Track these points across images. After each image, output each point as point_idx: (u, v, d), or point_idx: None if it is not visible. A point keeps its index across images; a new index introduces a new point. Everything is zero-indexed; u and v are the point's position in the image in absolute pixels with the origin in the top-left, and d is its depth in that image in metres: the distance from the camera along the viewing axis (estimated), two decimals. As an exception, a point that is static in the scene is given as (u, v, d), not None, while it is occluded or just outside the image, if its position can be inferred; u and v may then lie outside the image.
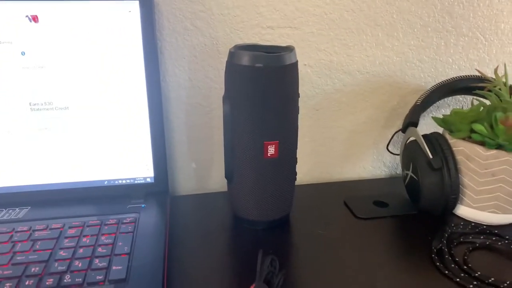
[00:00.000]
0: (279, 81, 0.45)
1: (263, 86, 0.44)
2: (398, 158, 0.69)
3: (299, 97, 0.48)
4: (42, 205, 0.51)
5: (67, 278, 0.38)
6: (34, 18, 0.46)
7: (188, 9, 0.53)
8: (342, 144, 0.66)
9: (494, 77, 0.53)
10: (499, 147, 0.49)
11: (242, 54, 0.44)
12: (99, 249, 0.42)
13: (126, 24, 0.48)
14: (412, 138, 0.56)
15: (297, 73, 0.47)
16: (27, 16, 0.46)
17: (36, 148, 0.50)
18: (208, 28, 0.55)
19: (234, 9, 0.54)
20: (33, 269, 0.39)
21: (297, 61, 0.46)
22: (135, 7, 0.47)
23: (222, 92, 0.58)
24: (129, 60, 0.49)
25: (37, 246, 0.43)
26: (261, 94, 0.45)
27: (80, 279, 0.38)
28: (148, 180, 0.54)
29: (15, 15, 0.46)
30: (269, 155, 0.47)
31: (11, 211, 0.50)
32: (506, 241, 0.48)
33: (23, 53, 0.47)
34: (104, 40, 0.48)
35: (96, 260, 0.41)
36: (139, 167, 0.53)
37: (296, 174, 0.52)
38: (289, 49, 0.46)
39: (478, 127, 0.50)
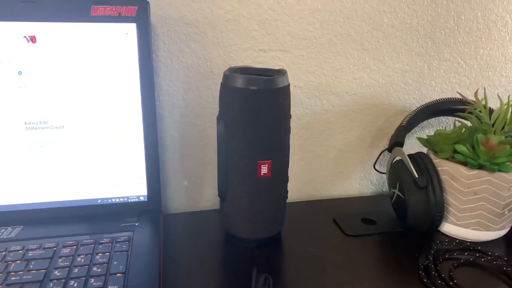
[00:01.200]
0: (272, 103, 0.46)
1: (257, 107, 0.46)
2: (384, 176, 0.72)
3: (290, 117, 0.50)
4: (35, 224, 0.51)
5: (63, 298, 0.38)
6: (32, 39, 0.47)
7: (183, 32, 0.55)
8: (330, 163, 0.68)
9: (474, 99, 0.56)
10: (480, 167, 0.51)
11: (236, 77, 0.46)
12: (94, 269, 0.43)
13: (123, 45, 0.49)
14: (398, 158, 0.58)
15: (289, 95, 0.48)
16: (25, 36, 0.47)
17: (30, 166, 0.50)
18: (202, 50, 0.56)
19: (228, 32, 0.56)
20: (28, 289, 0.39)
21: (289, 84, 0.48)
22: (132, 29, 0.49)
23: (214, 111, 0.59)
24: (125, 80, 0.50)
25: (31, 266, 0.43)
26: (255, 115, 0.46)
27: (76, 299, 0.38)
28: (142, 198, 0.54)
29: (13, 36, 0.46)
30: (262, 174, 0.48)
31: (3, 230, 0.49)
32: (489, 257, 0.50)
33: (20, 73, 0.47)
34: (100, 61, 0.49)
35: (92, 280, 0.41)
36: (132, 185, 0.54)
37: (287, 193, 0.53)
38: (282, 72, 0.48)
39: (460, 148, 0.53)
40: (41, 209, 0.52)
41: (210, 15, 0.55)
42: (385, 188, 0.73)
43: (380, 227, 0.58)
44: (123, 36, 0.49)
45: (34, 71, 0.48)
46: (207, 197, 0.64)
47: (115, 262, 0.44)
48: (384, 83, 0.65)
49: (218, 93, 0.58)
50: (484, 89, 0.55)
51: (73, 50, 0.48)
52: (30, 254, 0.45)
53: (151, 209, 0.54)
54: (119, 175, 0.53)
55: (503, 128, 0.53)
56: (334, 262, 0.50)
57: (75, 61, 0.48)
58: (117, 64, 0.49)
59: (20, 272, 0.42)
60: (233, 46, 0.57)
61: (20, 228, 0.50)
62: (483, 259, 0.50)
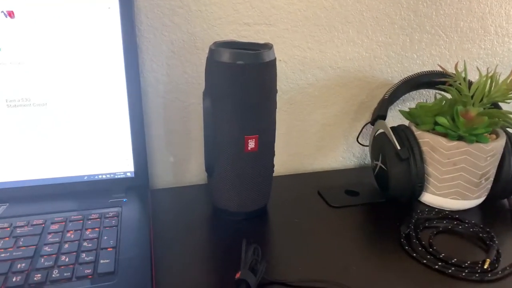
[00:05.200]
0: (258, 77, 0.47)
1: (244, 82, 0.46)
2: (366, 149, 0.73)
3: (277, 92, 0.50)
4: (21, 202, 0.50)
5: (55, 273, 0.39)
6: (10, 14, 0.45)
7: (166, 6, 0.54)
8: (314, 136, 0.69)
9: (454, 72, 0.57)
10: (460, 138, 0.53)
11: (222, 52, 0.46)
12: (85, 244, 0.43)
13: (105, 20, 0.48)
14: (380, 130, 0.60)
15: (275, 70, 0.48)
16: (2, 11, 0.45)
17: (14, 144, 0.50)
18: (186, 24, 0.55)
19: (211, 5, 0.55)
20: (19, 265, 0.40)
21: (275, 58, 0.48)
22: (115, 4, 0.48)
23: (199, 87, 0.59)
24: (108, 56, 0.49)
25: (20, 243, 0.43)
26: (242, 90, 0.46)
27: (69, 273, 0.39)
28: (129, 174, 0.54)
29: (-10, 10, 0.45)
30: (249, 149, 0.49)
31: (-11, 208, 0.49)
32: (466, 225, 0.53)
33: (-1, 49, 0.46)
34: (82, 36, 0.48)
35: (83, 255, 0.41)
36: (119, 162, 0.54)
37: (273, 167, 0.54)
38: (268, 46, 0.48)
39: (441, 119, 0.54)
40: (26, 186, 0.51)
41: (193, -13, 0.54)
42: (367, 160, 0.74)
43: (363, 198, 0.60)
44: (105, 10, 0.48)
45: (13, 47, 0.46)
46: (194, 172, 0.65)
47: (105, 237, 0.44)
48: (367, 56, 0.65)
49: (203, 68, 0.58)
50: (464, 62, 0.56)
51: (54, 25, 0.47)
52: (18, 231, 0.45)
53: (138, 185, 0.55)
54: (105, 151, 0.53)
55: (481, 100, 0.54)
56: (319, 232, 0.51)
57: (56, 36, 0.47)
58: (100, 39, 0.48)
59: (10, 249, 0.42)
60: (217, 20, 0.56)
61: (5, 206, 0.50)
62: (460, 227, 0.53)
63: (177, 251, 0.47)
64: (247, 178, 0.51)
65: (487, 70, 0.55)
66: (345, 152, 0.72)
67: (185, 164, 0.64)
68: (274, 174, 0.55)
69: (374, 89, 0.68)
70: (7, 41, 0.46)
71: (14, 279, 0.38)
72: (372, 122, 0.62)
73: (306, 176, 0.67)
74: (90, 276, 0.39)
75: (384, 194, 0.60)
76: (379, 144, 0.59)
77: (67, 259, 0.41)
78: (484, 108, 0.54)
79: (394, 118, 0.71)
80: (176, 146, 0.62)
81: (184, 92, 0.59)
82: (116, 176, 0.54)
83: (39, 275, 0.39)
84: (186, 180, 0.65)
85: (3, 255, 0.41)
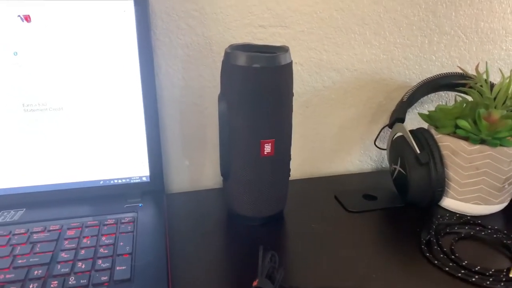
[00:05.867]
0: (275, 80, 0.46)
1: (260, 86, 0.45)
2: (383, 152, 0.72)
3: (293, 95, 0.49)
4: (38, 207, 0.51)
5: (71, 280, 0.39)
6: (27, 18, 0.46)
7: (181, 9, 0.54)
8: (331, 140, 0.68)
9: (475, 74, 0.56)
10: (482, 142, 0.52)
11: (238, 55, 0.45)
12: (101, 250, 0.43)
13: (120, 23, 0.48)
14: (399, 134, 0.58)
15: (292, 73, 0.48)
16: (19, 15, 0.45)
17: (30, 149, 0.50)
18: (201, 27, 0.55)
19: (227, 8, 0.55)
20: (35, 272, 0.40)
21: (291, 61, 0.47)
22: (130, 7, 0.47)
23: (215, 90, 0.59)
24: (124, 59, 0.49)
25: (37, 249, 0.43)
26: (258, 94, 0.46)
27: (85, 281, 0.39)
28: (144, 179, 0.54)
29: (7, 15, 0.45)
30: (265, 153, 0.48)
31: (6, 213, 0.49)
32: (489, 231, 0.51)
33: (15, 53, 0.46)
34: (98, 39, 0.48)
35: (99, 261, 0.41)
36: (134, 166, 0.53)
37: (290, 171, 0.53)
38: (284, 49, 0.47)
39: (462, 123, 0.53)
40: (42, 191, 0.51)
41: (208, -10, 0.54)
42: (385, 164, 0.73)
43: (381, 203, 0.58)
44: (120, 14, 0.47)
45: (30, 51, 0.47)
46: (209, 176, 0.64)
47: (121, 243, 0.44)
48: (385, 58, 0.64)
49: (218, 72, 0.57)
50: (486, 63, 0.55)
51: (70, 29, 0.47)
52: (35, 237, 0.45)
53: (154, 190, 0.54)
54: (120, 156, 0.52)
55: (504, 102, 0.53)
56: (337, 238, 0.50)
57: (72, 40, 0.47)
58: (115, 43, 0.48)
59: (27, 255, 0.42)
60: (233, 23, 0.56)
61: (22, 211, 0.50)
62: (483, 233, 0.51)
63: (193, 257, 0.46)
64: (263, 183, 0.50)
65: (511, 72, 0.53)
66: (362, 155, 0.71)
67: (200, 168, 0.63)
68: (290, 178, 0.54)
69: (392, 92, 0.67)
70: (24, 45, 0.46)
71: (31, 286, 0.38)
72: (390, 125, 0.61)
73: (323, 180, 0.66)
74: (106, 284, 0.38)
75: (403, 198, 0.58)
76: (397, 148, 0.57)
77: (83, 266, 0.40)
78: (507, 111, 0.52)
79: (412, 120, 0.70)
80: (191, 150, 0.62)
81: (199, 96, 0.59)
82: (131, 181, 0.54)
83: (55, 282, 0.38)
84: (201, 184, 0.64)
85: (20, 261, 0.41)
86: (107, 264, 0.41)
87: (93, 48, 0.48)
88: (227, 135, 0.49)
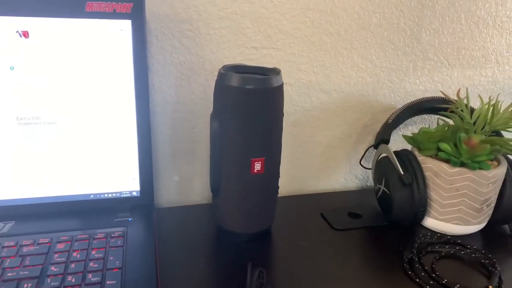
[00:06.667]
0: (267, 102, 0.47)
1: (252, 106, 0.47)
2: (368, 171, 0.74)
3: (283, 115, 0.51)
4: (27, 220, 0.51)
5: (62, 294, 0.39)
6: (25, 34, 0.46)
7: (176, 28, 0.55)
8: (317, 158, 0.70)
9: (456, 99, 0.59)
10: (462, 164, 0.54)
11: (232, 76, 0.47)
12: (91, 264, 0.43)
13: (117, 42, 0.49)
14: (383, 154, 0.60)
15: (283, 94, 0.49)
16: (17, 31, 0.46)
17: (22, 162, 0.50)
18: (195, 46, 0.57)
19: (221, 29, 0.57)
20: (25, 285, 0.40)
21: (283, 83, 0.49)
22: (127, 26, 0.49)
23: (206, 107, 0.60)
24: (119, 76, 0.50)
25: (27, 262, 0.43)
26: (250, 114, 0.47)
27: (76, 294, 0.39)
28: (134, 193, 0.55)
29: (6, 30, 0.46)
30: (255, 171, 0.49)
31: (-5, 225, 0.49)
32: (468, 250, 0.53)
33: (12, 68, 0.47)
34: (94, 56, 0.49)
35: (89, 275, 0.42)
36: (125, 181, 0.54)
37: (278, 188, 0.54)
38: (276, 71, 0.49)
39: (444, 146, 0.55)
40: (32, 204, 0.52)
41: (204, 12, 0.55)
42: (369, 182, 0.75)
43: (366, 221, 0.60)
44: (117, 32, 0.49)
45: (26, 66, 0.47)
46: (197, 191, 0.65)
47: (111, 258, 0.44)
48: (371, 81, 0.67)
49: (210, 89, 0.59)
50: (467, 89, 0.58)
51: (67, 46, 0.48)
52: (25, 250, 0.45)
53: (143, 204, 0.55)
54: (111, 170, 0.53)
55: (483, 127, 0.55)
56: (324, 255, 0.52)
57: (68, 57, 0.48)
58: (111, 60, 0.49)
59: (16, 268, 0.42)
60: (226, 43, 0.58)
61: (12, 224, 0.50)
62: (462, 252, 0.53)
63: (182, 272, 0.47)
64: (252, 200, 0.51)
65: (489, 98, 0.56)
66: (348, 174, 0.73)
67: (189, 183, 0.64)
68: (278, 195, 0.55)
69: (377, 113, 0.69)
70: (21, 60, 0.47)
71: (20, 299, 0.38)
72: (376, 146, 0.63)
73: (309, 197, 0.68)
74: (96, 298, 0.39)
75: (387, 217, 0.60)
76: (382, 168, 0.59)
77: (73, 280, 0.41)
78: (486, 135, 0.55)
79: (396, 141, 0.72)
80: (181, 166, 0.63)
81: (191, 113, 0.60)
82: (122, 195, 0.54)
83: (45, 295, 0.39)
84: (190, 199, 0.65)
85: (9, 274, 0.41)
86: (97, 278, 0.41)
87: (89, 65, 0.49)
88: (218, 153, 0.50)
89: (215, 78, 0.49)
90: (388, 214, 0.59)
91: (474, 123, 0.56)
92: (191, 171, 0.64)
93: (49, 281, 0.40)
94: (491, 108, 0.55)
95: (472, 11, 0.68)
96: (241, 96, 0.46)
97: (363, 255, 0.52)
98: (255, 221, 0.52)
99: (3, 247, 0.45)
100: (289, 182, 0.69)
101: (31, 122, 0.49)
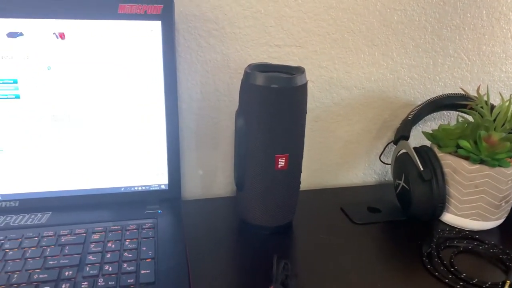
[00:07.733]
0: (291, 100, 0.49)
1: (277, 104, 0.49)
2: (386, 166, 0.75)
3: (306, 113, 0.52)
4: (63, 211, 0.53)
5: (100, 282, 0.42)
6: (61, 35, 0.49)
7: (203, 28, 0.57)
8: (337, 153, 0.71)
9: (476, 95, 0.59)
10: (482, 162, 0.55)
11: (258, 75, 0.48)
12: (125, 254, 0.46)
13: (147, 42, 0.51)
14: (403, 150, 0.62)
15: (306, 93, 0.51)
16: (54, 33, 0.48)
17: (58, 156, 0.53)
18: (220, 45, 0.58)
19: (245, 28, 0.58)
20: (66, 273, 0.42)
21: (307, 82, 0.50)
22: (157, 27, 0.51)
23: (230, 104, 0.62)
24: (149, 75, 0.52)
25: (66, 251, 0.46)
26: (275, 112, 0.49)
27: (113, 282, 0.41)
28: (163, 187, 0.57)
29: (43, 32, 0.48)
30: (279, 167, 0.51)
31: (33, 216, 0.52)
32: (486, 246, 0.54)
33: (49, 68, 0.49)
34: (126, 56, 0.51)
35: (125, 264, 0.44)
36: (154, 175, 0.56)
37: (300, 183, 0.56)
38: (301, 70, 0.51)
39: (463, 143, 0.56)
40: (68, 196, 0.55)
41: (229, 11, 0.57)
42: (388, 177, 0.76)
43: (385, 216, 0.62)
44: (148, 33, 0.51)
45: (62, 66, 0.50)
46: (220, 185, 0.67)
47: (143, 248, 0.47)
48: (392, 77, 0.68)
49: (234, 87, 0.61)
50: (487, 86, 0.58)
51: (100, 46, 0.50)
52: (63, 240, 0.48)
53: (171, 197, 0.57)
54: (141, 164, 0.56)
55: (503, 124, 0.56)
56: (344, 249, 0.53)
57: (101, 56, 0.50)
58: (142, 59, 0.52)
59: (57, 256, 0.45)
60: (250, 42, 0.59)
61: (49, 214, 0.53)
62: (480, 247, 0.54)
63: (210, 263, 0.49)
64: (275, 194, 0.53)
65: (510, 95, 0.56)
66: (367, 169, 0.74)
67: (212, 177, 0.67)
68: (299, 189, 0.57)
69: (397, 109, 0.70)
70: (57, 60, 0.49)
71: (63, 286, 0.41)
72: (395, 142, 0.64)
73: (328, 192, 0.69)
74: (132, 286, 0.41)
75: (406, 212, 0.61)
76: (402, 164, 0.61)
77: (110, 269, 0.43)
78: (506, 133, 0.55)
79: (415, 137, 0.73)
80: (205, 160, 0.65)
81: (215, 109, 0.62)
82: (151, 188, 0.57)
83: (86, 283, 0.41)
84: (213, 193, 0.68)
85: (51, 262, 0.44)
86: (132, 268, 0.44)
87: (121, 64, 0.51)
88: (243, 149, 0.52)
89: (239, 76, 0.50)
90: (407, 209, 0.60)
91: (494, 120, 0.56)
92: (214, 165, 0.66)
93: (87, 269, 0.43)
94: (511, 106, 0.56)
95: (493, 7, 0.68)
96: (267, 94, 0.48)
97: (382, 249, 0.54)
98: (278, 214, 0.54)
99: (43, 236, 0.48)
100: (309, 176, 0.71)
101: (66, 118, 0.52)
